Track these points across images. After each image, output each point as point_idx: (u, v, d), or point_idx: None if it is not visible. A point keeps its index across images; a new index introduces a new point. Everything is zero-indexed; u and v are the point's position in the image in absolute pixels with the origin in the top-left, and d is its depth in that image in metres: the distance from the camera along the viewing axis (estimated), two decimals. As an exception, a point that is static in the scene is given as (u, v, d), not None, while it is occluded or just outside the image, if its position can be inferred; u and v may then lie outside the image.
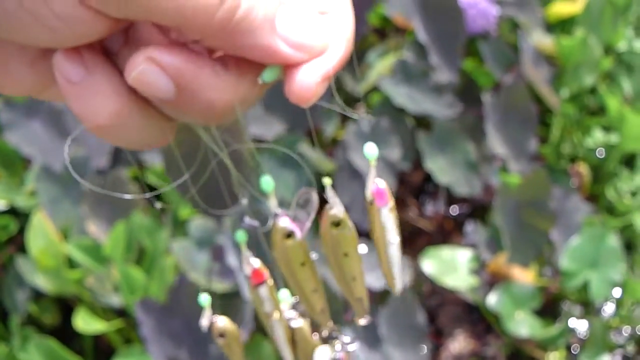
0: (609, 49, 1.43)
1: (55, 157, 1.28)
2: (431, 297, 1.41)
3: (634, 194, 1.37)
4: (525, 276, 1.25)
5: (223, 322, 0.48)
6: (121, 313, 1.26)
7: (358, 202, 1.24)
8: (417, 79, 1.28)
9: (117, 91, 0.31)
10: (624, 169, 1.41)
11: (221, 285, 1.13)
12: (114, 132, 0.31)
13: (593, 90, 1.41)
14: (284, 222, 0.40)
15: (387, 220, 0.42)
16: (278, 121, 1.27)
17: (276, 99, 1.32)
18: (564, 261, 1.20)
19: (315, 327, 0.49)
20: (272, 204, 0.39)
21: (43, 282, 1.22)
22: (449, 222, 1.49)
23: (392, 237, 0.43)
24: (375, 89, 1.36)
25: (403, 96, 1.27)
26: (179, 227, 1.29)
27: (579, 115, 1.40)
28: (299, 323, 0.49)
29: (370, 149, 0.39)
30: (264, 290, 0.45)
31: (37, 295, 1.30)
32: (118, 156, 1.35)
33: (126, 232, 1.21)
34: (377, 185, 0.40)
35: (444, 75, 1.25)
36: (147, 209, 1.30)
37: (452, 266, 1.23)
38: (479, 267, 1.25)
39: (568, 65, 1.33)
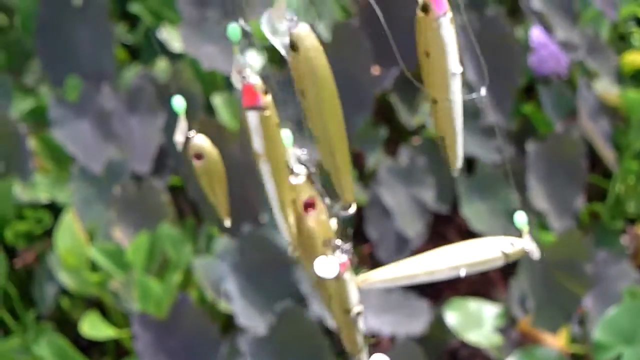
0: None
1: (96, 158, 1.29)
2: (462, 348, 1.34)
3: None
4: (555, 341, 1.16)
5: (202, 140, 0.40)
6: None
7: (387, 239, 1.19)
8: (467, 118, 1.22)
9: None
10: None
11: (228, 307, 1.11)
12: None
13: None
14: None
15: (449, 35, 0.34)
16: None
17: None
18: (597, 332, 1.11)
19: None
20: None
21: (67, 281, 1.23)
22: (494, 271, 1.42)
23: (455, 63, 0.35)
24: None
25: (449, 135, 1.21)
26: (208, 243, 1.27)
27: (644, 174, 1.30)
28: (300, 178, 0.36)
29: None
30: (254, 119, 0.34)
31: (68, 292, 1.32)
32: (161, 163, 1.35)
33: (149, 241, 1.21)
34: None
35: (492, 117, 1.19)
36: (178, 221, 1.29)
37: (477, 321, 1.16)
38: (508, 324, 1.18)
39: (633, 120, 1.23)
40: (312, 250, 0.36)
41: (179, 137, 0.38)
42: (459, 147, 0.39)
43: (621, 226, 1.29)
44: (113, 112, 1.32)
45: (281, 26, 0.32)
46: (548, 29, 1.26)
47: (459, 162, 0.40)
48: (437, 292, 1.42)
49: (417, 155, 1.19)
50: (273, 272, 1.01)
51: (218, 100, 1.38)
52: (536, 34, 1.27)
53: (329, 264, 0.35)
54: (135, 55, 1.53)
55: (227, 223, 0.41)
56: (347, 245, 0.36)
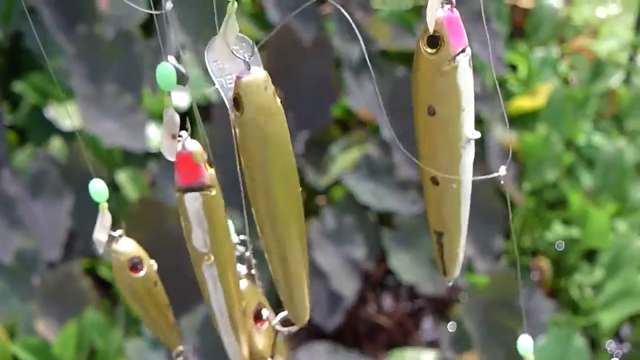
0: (569, 144, 1.43)
1: (4, 248, 1.21)
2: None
3: (595, 287, 1.36)
4: (491, 377, 1.22)
5: (129, 245, 0.29)
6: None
7: (321, 300, 1.21)
8: (382, 175, 1.26)
9: None
10: (584, 263, 1.40)
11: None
12: None
13: (554, 185, 1.41)
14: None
15: (466, 83, 0.23)
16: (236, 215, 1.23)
17: (230, 191, 1.28)
18: (531, 363, 1.18)
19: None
20: None
21: (-14, 384, 1.14)
22: (408, 319, 1.46)
23: (471, 125, 0.22)
24: (337, 182, 1.33)
25: (368, 192, 1.25)
26: (132, 325, 1.23)
27: (539, 209, 1.39)
28: (243, 283, 0.28)
29: None
30: (195, 202, 0.24)
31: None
32: (70, 248, 1.29)
33: (77, 332, 1.15)
34: (447, 12, 0.22)
35: (408, 171, 1.24)
36: (100, 306, 1.24)
37: (417, 368, 1.19)
38: (445, 367, 1.22)
39: (530, 161, 1.33)
40: None
41: (100, 236, 0.28)
42: (462, 247, 0.26)
43: (527, 260, 1.38)
44: (16, 198, 1.26)
45: (228, 65, 0.21)
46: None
47: (457, 269, 0.26)
48: (358, 343, 1.45)
49: (342, 215, 1.21)
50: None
51: (122, 177, 1.34)
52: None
53: None
54: (22, 136, 1.46)
55: (179, 349, 0.33)
56: None
